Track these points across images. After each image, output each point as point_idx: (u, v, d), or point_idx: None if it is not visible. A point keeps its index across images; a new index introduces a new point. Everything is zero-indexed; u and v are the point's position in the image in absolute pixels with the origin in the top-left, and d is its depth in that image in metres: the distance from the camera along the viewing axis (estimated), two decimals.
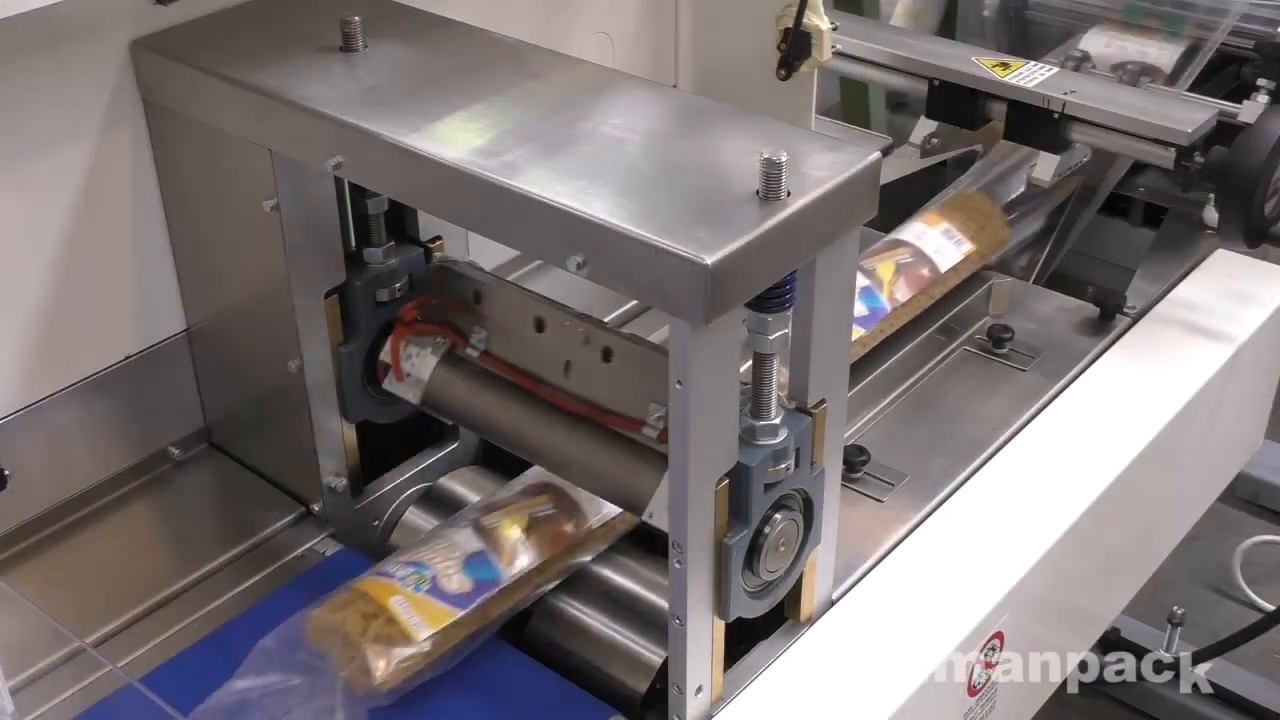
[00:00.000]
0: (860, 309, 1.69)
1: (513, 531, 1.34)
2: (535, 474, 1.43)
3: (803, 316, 1.17)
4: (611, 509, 1.38)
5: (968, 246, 1.83)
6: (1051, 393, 1.70)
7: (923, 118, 1.96)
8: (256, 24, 1.41)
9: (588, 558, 1.40)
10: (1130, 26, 2.13)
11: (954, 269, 1.82)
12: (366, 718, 1.24)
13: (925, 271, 1.78)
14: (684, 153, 1.18)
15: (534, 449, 1.38)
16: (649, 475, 1.25)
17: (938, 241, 1.82)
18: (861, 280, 1.67)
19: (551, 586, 1.38)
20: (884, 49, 1.95)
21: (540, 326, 1.36)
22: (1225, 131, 1.76)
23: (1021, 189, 1.98)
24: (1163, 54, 2.08)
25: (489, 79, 1.31)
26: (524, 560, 1.33)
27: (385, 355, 1.44)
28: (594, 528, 1.38)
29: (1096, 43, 2.15)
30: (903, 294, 1.75)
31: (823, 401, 1.23)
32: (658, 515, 1.22)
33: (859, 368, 1.71)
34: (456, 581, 1.29)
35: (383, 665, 1.23)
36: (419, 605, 1.27)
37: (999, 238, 1.89)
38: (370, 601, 1.27)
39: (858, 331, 1.68)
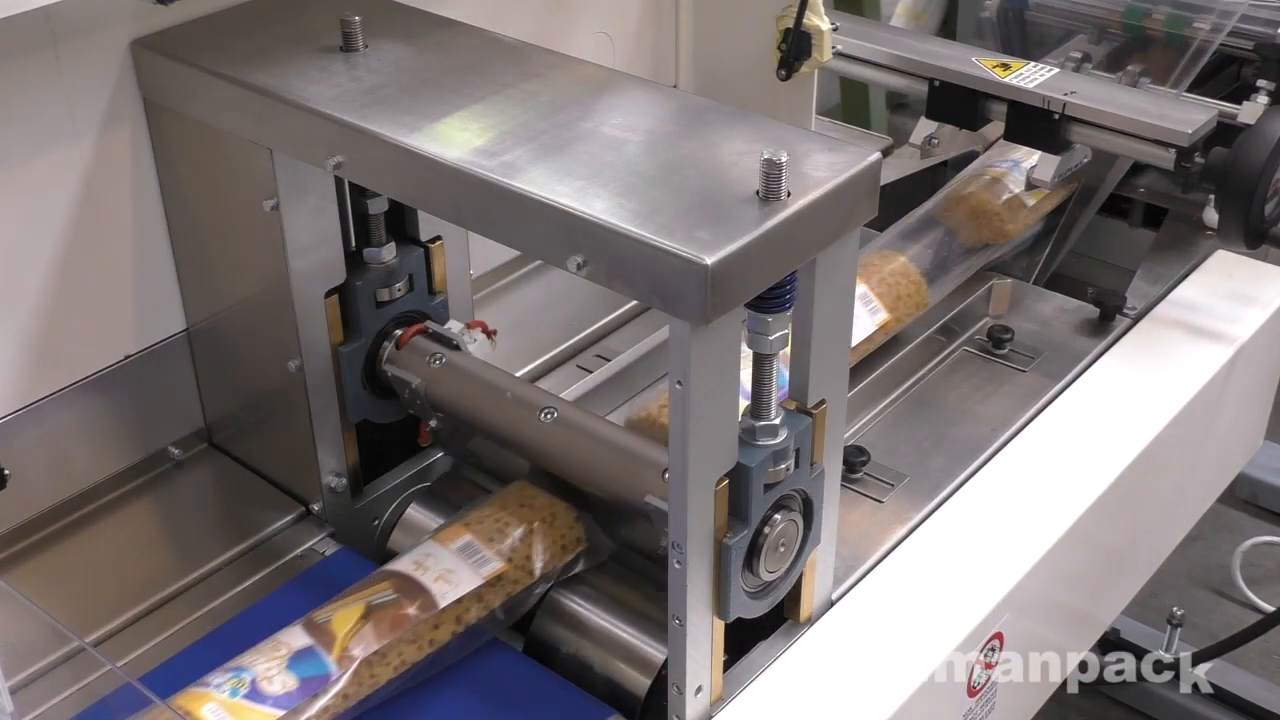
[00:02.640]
0: None
1: (345, 623, 1.25)
2: (385, 565, 1.34)
3: (803, 316, 1.17)
4: (464, 587, 1.29)
5: (883, 315, 1.73)
6: (1051, 393, 1.70)
7: (923, 118, 1.95)
8: (256, 24, 1.41)
9: (441, 646, 1.29)
10: (1131, 27, 2.13)
11: (867, 340, 1.71)
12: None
13: None
14: (684, 153, 1.18)
15: (534, 450, 1.38)
16: (649, 475, 1.25)
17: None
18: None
19: (402, 676, 1.27)
20: (884, 49, 1.95)
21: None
22: (1225, 132, 1.76)
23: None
24: (1163, 55, 2.08)
25: (489, 79, 1.31)
26: (357, 650, 1.23)
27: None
28: (443, 607, 1.28)
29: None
30: None
31: (823, 402, 1.23)
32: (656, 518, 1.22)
33: (859, 368, 1.71)
34: (279, 682, 1.20)
35: None
36: (235, 711, 1.18)
37: (918, 304, 1.78)
38: (186, 716, 1.17)
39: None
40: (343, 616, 1.26)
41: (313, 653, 1.23)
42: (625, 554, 1.43)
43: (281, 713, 1.19)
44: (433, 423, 1.47)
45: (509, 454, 1.46)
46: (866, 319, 1.71)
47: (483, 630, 1.31)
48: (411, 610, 1.27)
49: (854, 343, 1.62)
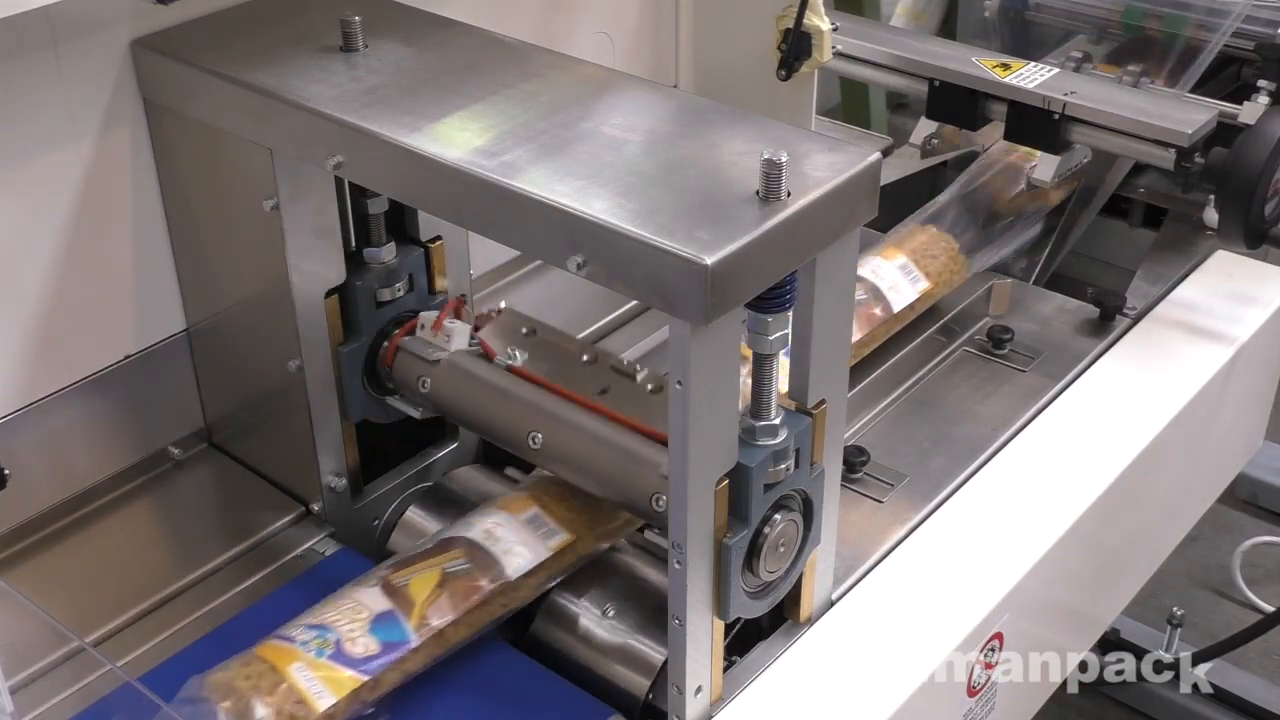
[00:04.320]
0: None
1: (423, 590, 1.28)
2: (453, 529, 1.36)
3: (803, 317, 1.17)
4: (533, 559, 1.33)
5: (924, 284, 1.78)
6: (1051, 393, 1.70)
7: (923, 118, 1.96)
8: (256, 24, 1.41)
9: (509, 610, 1.33)
10: (1131, 27, 2.14)
11: (909, 307, 1.77)
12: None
13: (878, 310, 1.74)
14: (684, 153, 1.18)
15: (535, 450, 1.38)
16: (650, 476, 1.25)
17: (893, 278, 1.76)
18: None
19: (470, 638, 1.31)
20: (884, 49, 1.95)
21: (592, 360, 1.39)
22: (1225, 132, 1.76)
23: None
24: (1163, 55, 2.08)
25: (489, 79, 1.31)
26: (435, 619, 1.27)
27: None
28: (512, 580, 1.31)
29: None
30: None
31: (822, 402, 1.23)
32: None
33: (859, 368, 1.71)
34: (362, 645, 1.23)
35: None
36: (322, 672, 1.20)
37: (957, 275, 1.84)
38: (272, 671, 1.20)
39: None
40: (420, 582, 1.29)
41: (392, 618, 1.26)
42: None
43: (365, 677, 1.22)
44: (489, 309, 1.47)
45: None
46: (908, 288, 1.76)
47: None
48: (483, 582, 1.31)
49: (898, 309, 1.74)
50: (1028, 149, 1.94)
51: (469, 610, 1.29)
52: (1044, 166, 1.86)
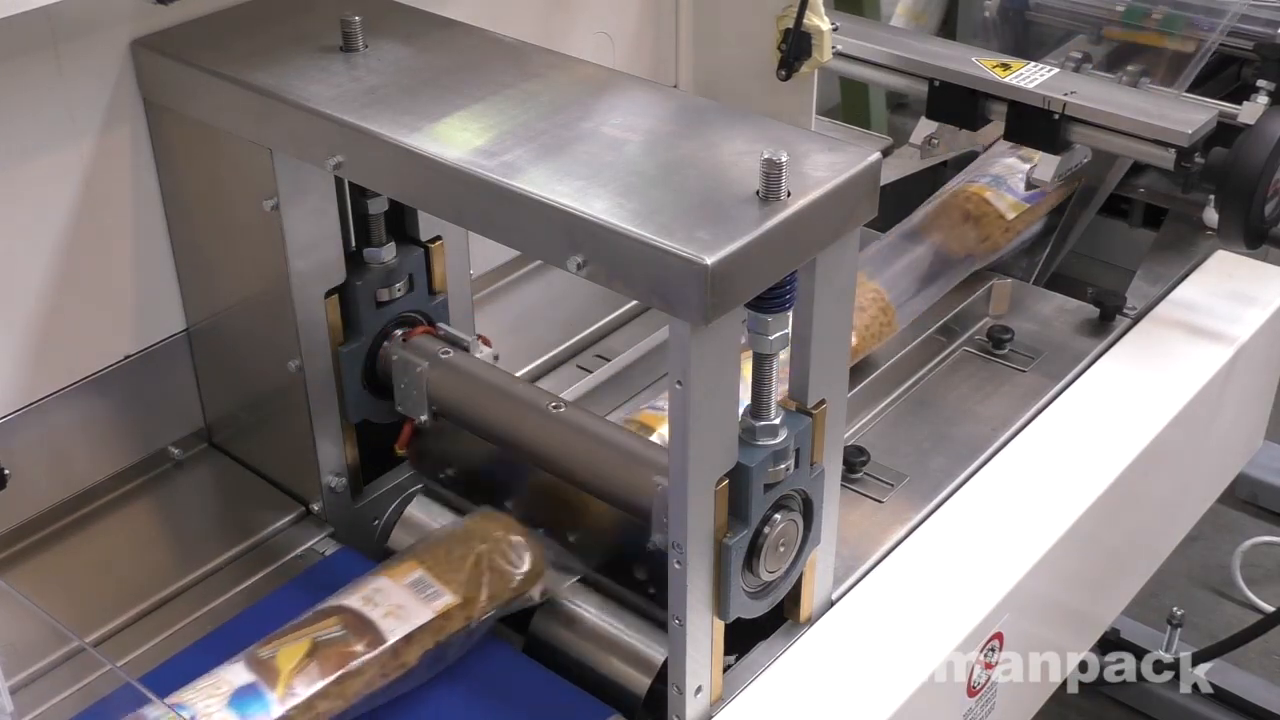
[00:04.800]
0: None
1: (290, 660, 1.21)
2: (330, 599, 1.30)
3: (803, 316, 1.17)
4: (414, 622, 1.26)
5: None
6: (1051, 393, 1.70)
7: (923, 118, 1.95)
8: (256, 24, 1.41)
9: (391, 680, 1.26)
10: (1130, 28, 2.13)
11: None
12: None
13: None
14: (684, 153, 1.18)
15: (534, 452, 1.38)
16: (649, 476, 1.25)
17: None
18: None
19: (353, 708, 1.24)
20: (884, 49, 1.95)
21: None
22: (1225, 132, 1.76)
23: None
24: (1162, 55, 2.08)
25: (489, 79, 1.31)
26: (301, 687, 1.19)
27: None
28: (390, 644, 1.24)
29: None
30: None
31: (822, 402, 1.23)
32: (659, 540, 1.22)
33: (859, 368, 1.71)
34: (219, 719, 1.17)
35: None
36: None
37: (886, 327, 1.76)
38: None
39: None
40: (288, 653, 1.22)
41: (255, 690, 1.19)
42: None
43: None
44: (423, 417, 1.44)
45: (485, 471, 1.45)
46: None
47: (444, 655, 1.29)
48: (358, 647, 1.23)
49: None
50: (979, 186, 1.93)
51: (342, 678, 1.21)
52: (1044, 166, 1.86)
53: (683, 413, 1.08)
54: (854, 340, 1.68)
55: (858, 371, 1.70)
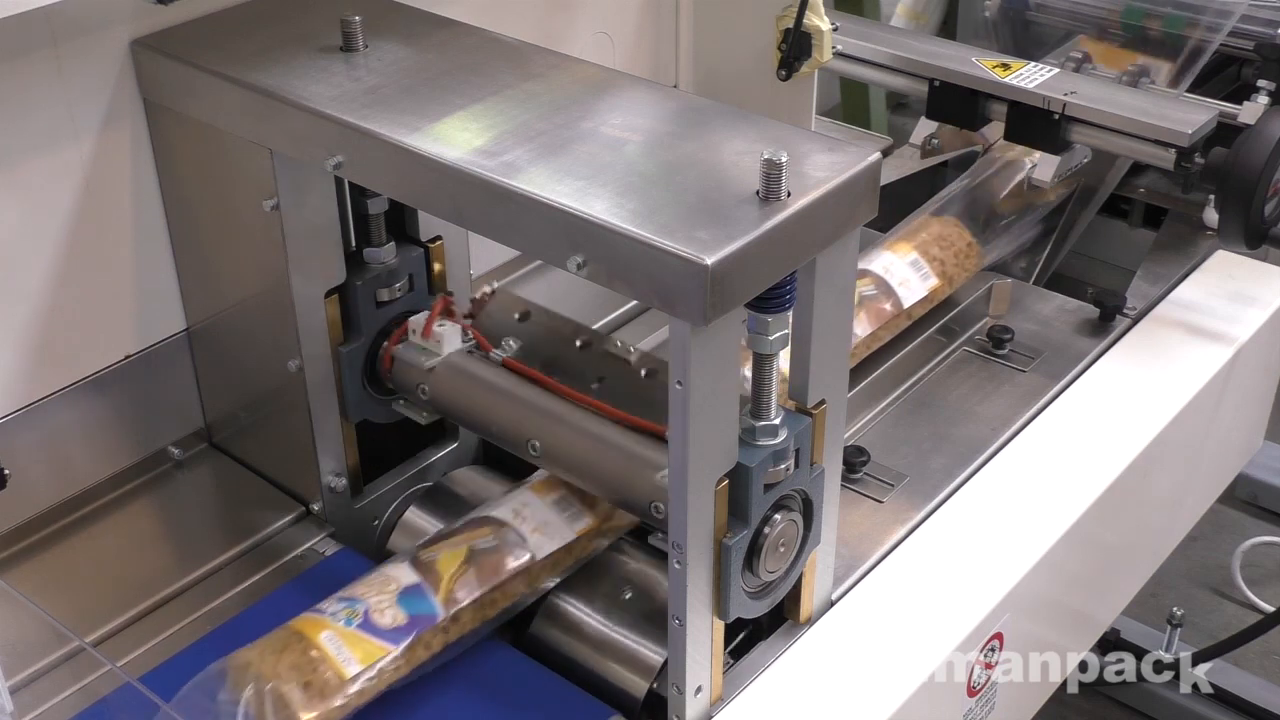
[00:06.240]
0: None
1: (450, 565, 1.30)
2: (483, 509, 1.38)
3: (803, 317, 1.17)
4: (559, 540, 1.34)
5: (934, 281, 1.78)
6: (1051, 393, 1.70)
7: (923, 118, 1.96)
8: (256, 24, 1.41)
9: (537, 589, 1.36)
10: (1131, 27, 2.13)
11: (920, 302, 1.77)
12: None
13: (888, 306, 1.74)
14: (684, 153, 1.18)
15: (534, 450, 1.38)
16: (650, 476, 1.25)
17: (904, 274, 1.77)
18: None
19: (495, 619, 1.33)
20: (884, 49, 1.95)
21: (585, 345, 1.39)
22: (1225, 132, 1.76)
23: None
24: (1162, 55, 2.08)
25: (489, 79, 1.31)
26: (462, 593, 1.29)
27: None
28: (539, 559, 1.33)
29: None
30: (862, 329, 1.71)
31: (822, 402, 1.23)
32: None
33: (859, 368, 1.71)
34: (390, 616, 1.25)
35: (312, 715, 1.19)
36: (350, 641, 1.23)
37: (972, 265, 1.85)
38: (301, 640, 1.22)
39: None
40: (448, 558, 1.30)
41: (420, 591, 1.28)
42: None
43: (392, 646, 1.24)
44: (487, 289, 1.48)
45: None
46: (919, 284, 1.77)
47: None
48: (510, 560, 1.32)
49: (908, 305, 1.74)
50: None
51: (496, 586, 1.30)
52: (1044, 166, 1.86)
53: (683, 413, 1.08)
54: (939, 279, 1.79)
55: (858, 371, 1.70)
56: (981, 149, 2.09)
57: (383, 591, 1.27)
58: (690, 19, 1.95)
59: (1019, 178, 1.94)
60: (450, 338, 1.43)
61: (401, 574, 1.29)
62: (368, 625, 1.24)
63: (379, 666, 1.23)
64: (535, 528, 1.34)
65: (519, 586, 1.33)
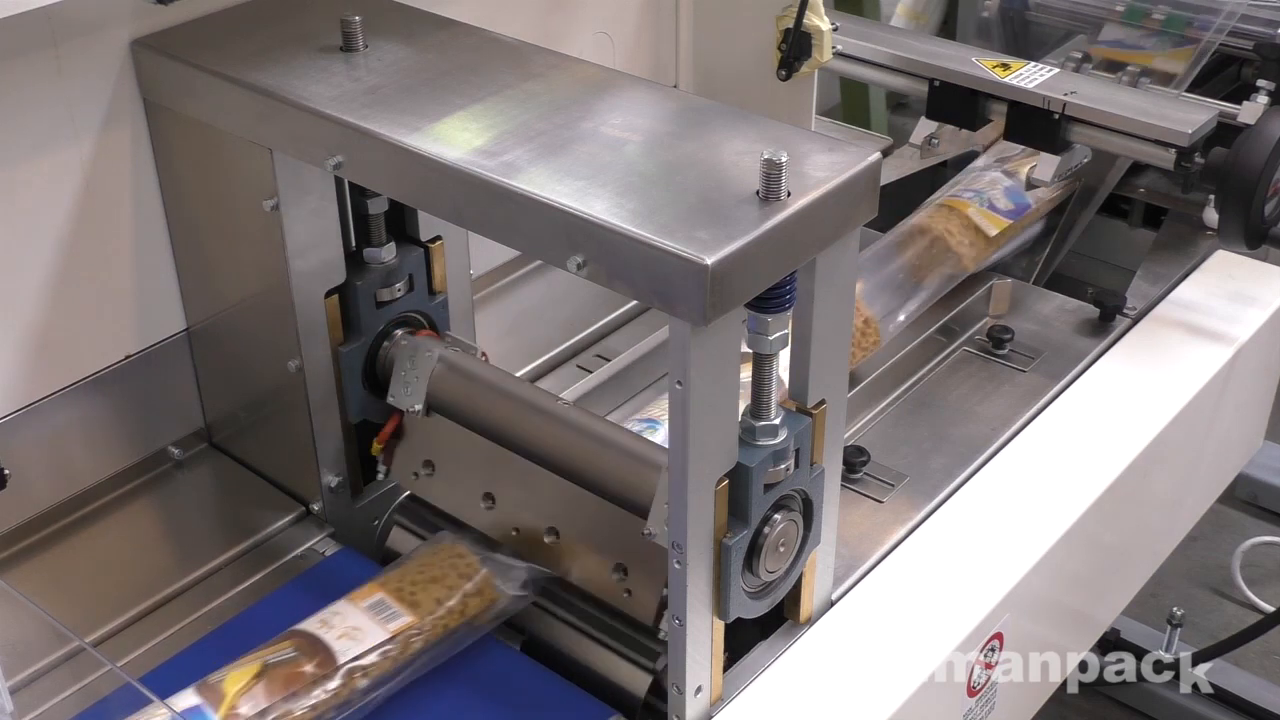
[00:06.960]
0: None
1: (237, 682, 1.21)
2: (293, 627, 1.29)
3: (803, 317, 1.17)
4: (368, 642, 1.26)
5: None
6: (1051, 393, 1.70)
7: (923, 118, 1.95)
8: (256, 24, 1.41)
9: (343, 701, 1.24)
10: (1131, 27, 2.13)
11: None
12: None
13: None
14: (684, 153, 1.18)
15: (535, 451, 1.38)
16: (649, 476, 1.25)
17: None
18: None
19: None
20: (884, 49, 1.95)
21: None
22: (1225, 132, 1.76)
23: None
24: (1162, 55, 2.08)
25: (489, 79, 1.31)
26: (245, 708, 1.19)
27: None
28: (343, 662, 1.24)
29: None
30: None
31: (823, 402, 1.23)
32: (657, 534, 1.22)
33: (859, 368, 1.71)
34: None
35: None
36: None
37: (869, 345, 1.74)
38: None
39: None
40: (236, 676, 1.22)
41: (199, 712, 1.18)
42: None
43: None
44: (416, 407, 1.42)
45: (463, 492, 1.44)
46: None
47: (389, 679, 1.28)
48: (308, 668, 1.23)
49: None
50: (961, 200, 1.91)
51: (290, 696, 1.21)
52: (1044, 166, 1.86)
53: (683, 413, 1.08)
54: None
55: (858, 372, 1.70)
56: (981, 149, 2.09)
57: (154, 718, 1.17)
58: (690, 19, 1.95)
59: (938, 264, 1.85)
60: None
61: (180, 701, 1.19)
62: None
63: None
64: (342, 634, 1.26)
65: (320, 694, 1.22)
